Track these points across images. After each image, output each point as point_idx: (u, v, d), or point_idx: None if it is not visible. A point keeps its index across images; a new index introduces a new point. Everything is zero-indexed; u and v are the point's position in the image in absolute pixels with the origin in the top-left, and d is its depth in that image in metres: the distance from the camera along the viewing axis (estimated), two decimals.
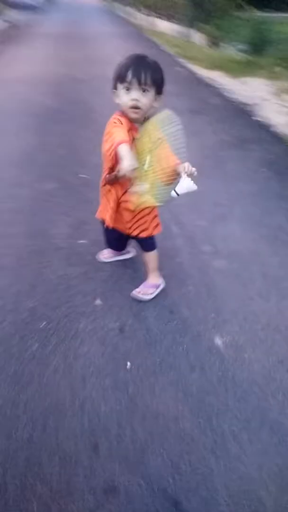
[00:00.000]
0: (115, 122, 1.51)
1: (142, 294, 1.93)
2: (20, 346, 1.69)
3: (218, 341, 1.73)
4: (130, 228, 1.79)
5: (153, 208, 1.74)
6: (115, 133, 1.45)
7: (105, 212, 1.76)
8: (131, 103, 1.47)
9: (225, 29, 10.13)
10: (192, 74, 6.91)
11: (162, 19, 12.12)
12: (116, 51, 8.69)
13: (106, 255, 2.19)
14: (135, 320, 1.82)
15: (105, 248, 2.17)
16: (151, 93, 1.49)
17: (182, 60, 8.00)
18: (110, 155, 1.47)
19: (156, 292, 1.96)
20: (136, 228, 1.78)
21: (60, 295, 1.96)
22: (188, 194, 1.41)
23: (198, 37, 9.93)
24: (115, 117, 1.54)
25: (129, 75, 1.44)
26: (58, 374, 1.57)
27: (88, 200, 2.72)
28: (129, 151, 1.37)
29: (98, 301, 1.93)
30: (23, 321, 1.81)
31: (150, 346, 1.70)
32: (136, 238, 1.85)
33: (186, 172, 1.41)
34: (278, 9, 10.88)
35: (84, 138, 3.77)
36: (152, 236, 1.85)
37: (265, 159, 3.57)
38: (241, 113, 4.99)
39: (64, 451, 1.31)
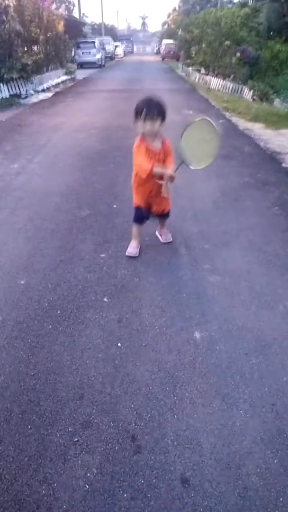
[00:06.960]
0: (137, 147, 2.48)
1: (169, 238, 2.98)
2: (38, 326, 2.15)
3: (197, 335, 2.08)
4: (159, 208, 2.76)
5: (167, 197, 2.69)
6: (143, 163, 2.42)
7: (140, 200, 2.69)
8: (147, 130, 2.38)
9: (276, 86, 10.88)
10: (232, 125, 7.48)
11: (218, 77, 13.11)
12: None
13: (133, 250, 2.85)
14: (132, 315, 2.22)
15: (133, 224, 2.83)
16: (158, 121, 2.37)
17: (227, 114, 8.65)
18: (148, 175, 2.42)
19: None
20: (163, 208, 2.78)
21: (76, 293, 2.42)
22: None
23: (249, 94, 10.65)
24: (137, 143, 2.49)
25: (144, 113, 2.33)
26: (63, 347, 2.00)
27: (114, 225, 3.25)
28: (160, 167, 2.40)
29: (105, 299, 2.36)
30: (43, 309, 2.28)
31: (140, 333, 2.08)
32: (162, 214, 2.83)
33: None
34: None
35: (120, 177, 4.36)
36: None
37: (281, 199, 3.91)
38: (270, 160, 5.39)
39: (57, 397, 1.72)
